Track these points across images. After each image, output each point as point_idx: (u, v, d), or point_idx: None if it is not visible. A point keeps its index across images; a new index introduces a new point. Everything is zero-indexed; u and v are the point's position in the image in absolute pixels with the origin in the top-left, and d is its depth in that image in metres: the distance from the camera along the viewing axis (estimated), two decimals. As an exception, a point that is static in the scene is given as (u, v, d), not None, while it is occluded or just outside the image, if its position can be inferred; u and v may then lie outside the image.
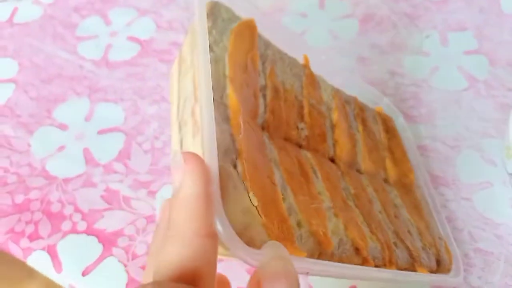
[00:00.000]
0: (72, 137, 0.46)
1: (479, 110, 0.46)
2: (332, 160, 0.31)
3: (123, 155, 0.45)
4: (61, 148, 0.46)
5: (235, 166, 0.22)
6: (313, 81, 0.32)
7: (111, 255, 0.39)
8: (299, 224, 0.23)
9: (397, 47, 0.52)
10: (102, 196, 0.42)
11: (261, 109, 0.27)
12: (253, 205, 0.21)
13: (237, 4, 0.29)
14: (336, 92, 0.35)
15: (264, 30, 0.31)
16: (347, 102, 0.36)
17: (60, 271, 0.38)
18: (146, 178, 0.42)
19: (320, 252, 0.23)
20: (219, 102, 0.23)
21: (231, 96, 0.24)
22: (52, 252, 0.39)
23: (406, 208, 0.34)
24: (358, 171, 0.33)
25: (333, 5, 0.56)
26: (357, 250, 0.25)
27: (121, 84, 0.50)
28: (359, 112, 0.37)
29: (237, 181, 0.21)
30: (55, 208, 0.41)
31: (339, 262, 0.24)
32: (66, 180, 0.43)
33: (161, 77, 0.51)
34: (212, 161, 0.20)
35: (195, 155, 0.19)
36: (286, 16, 0.55)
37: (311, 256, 0.22)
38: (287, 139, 0.28)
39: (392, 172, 0.36)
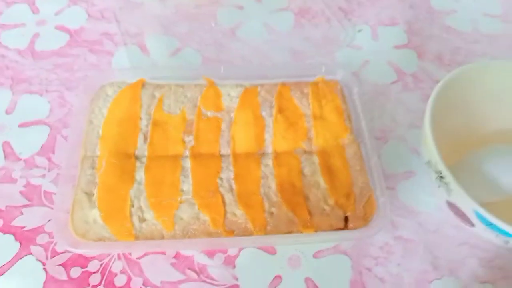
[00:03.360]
0: (-10, 130, 0.44)
1: (407, 102, 0.47)
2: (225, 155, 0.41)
3: (47, 149, 0.43)
4: (-22, 141, 0.43)
5: (93, 193, 0.38)
6: (210, 96, 0.43)
7: (29, 253, 0.37)
8: (141, 220, 0.37)
9: (331, 41, 0.52)
10: (21, 192, 0.40)
11: (140, 142, 0.41)
12: (99, 215, 0.37)
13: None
14: (247, 90, 0.44)
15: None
16: (267, 91, 0.44)
17: (-29, 271, 0.36)
18: (68, 172, 0.40)
19: (162, 234, 0.36)
20: (89, 156, 0.40)
21: (100, 149, 0.40)
22: (-37, 252, 0.37)
23: (320, 172, 0.39)
24: (264, 152, 0.41)
25: (269, -2, 0.56)
26: (215, 224, 0.36)
27: (48, 75, 0.48)
28: (278, 96, 0.44)
29: (85, 204, 0.37)
30: (-32, 205, 0.39)
31: (194, 236, 0.36)
32: (-18, 176, 0.41)
33: (90, 68, 0.49)
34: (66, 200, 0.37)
35: None
36: (222, 8, 0.55)
37: (151, 238, 0.36)
38: (172, 154, 0.40)
39: (319, 138, 0.41)
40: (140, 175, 0.39)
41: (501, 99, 0.41)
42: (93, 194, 0.37)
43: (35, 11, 0.54)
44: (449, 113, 0.39)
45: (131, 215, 0.36)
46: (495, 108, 0.41)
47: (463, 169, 0.36)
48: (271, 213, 0.37)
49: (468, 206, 0.32)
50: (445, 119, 0.38)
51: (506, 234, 0.31)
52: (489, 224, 0.31)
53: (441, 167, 0.33)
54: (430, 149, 0.34)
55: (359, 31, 0.53)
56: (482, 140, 0.41)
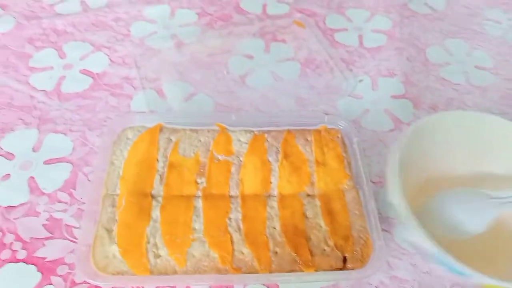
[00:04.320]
0: (17, 166, 0.47)
1: (403, 149, 0.51)
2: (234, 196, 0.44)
3: (69, 185, 0.46)
4: (6, 176, 0.47)
5: (113, 230, 0.41)
6: (222, 141, 0.47)
7: (50, 283, 0.40)
8: (156, 256, 0.39)
9: (333, 89, 0.56)
10: (44, 225, 0.43)
11: (156, 182, 0.44)
12: (118, 251, 0.39)
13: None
14: (256, 137, 0.48)
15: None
16: (274, 138, 0.48)
17: (-4, 299, 0.39)
18: (91, 208, 0.43)
19: (175, 269, 0.39)
20: (110, 194, 0.43)
21: (120, 188, 0.43)
22: (-11, 280, 0.40)
23: (321, 215, 0.42)
24: (270, 194, 0.44)
25: (277, 48, 0.61)
26: (223, 261, 0.39)
27: (72, 115, 0.52)
28: (284, 142, 0.47)
29: (105, 239, 0.40)
30: (-5, 236, 0.42)
31: (204, 272, 0.39)
32: (9, 209, 0.44)
33: (111, 110, 0.53)
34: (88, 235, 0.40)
35: None
36: (233, 57, 0.60)
37: (165, 273, 0.39)
38: (186, 194, 0.43)
39: (321, 183, 0.44)
40: (156, 213, 0.42)
41: (462, 147, 0.44)
42: (113, 230, 0.41)
43: (62, 55, 0.59)
44: (417, 159, 0.42)
45: (147, 251, 0.39)
46: (457, 154, 0.44)
47: (430, 210, 0.40)
48: (276, 253, 0.40)
49: (427, 245, 0.35)
50: (413, 164, 0.41)
51: (457, 272, 0.34)
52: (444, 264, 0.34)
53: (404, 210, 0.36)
54: (394, 193, 0.37)
55: (360, 81, 0.58)
56: (449, 183, 0.44)
